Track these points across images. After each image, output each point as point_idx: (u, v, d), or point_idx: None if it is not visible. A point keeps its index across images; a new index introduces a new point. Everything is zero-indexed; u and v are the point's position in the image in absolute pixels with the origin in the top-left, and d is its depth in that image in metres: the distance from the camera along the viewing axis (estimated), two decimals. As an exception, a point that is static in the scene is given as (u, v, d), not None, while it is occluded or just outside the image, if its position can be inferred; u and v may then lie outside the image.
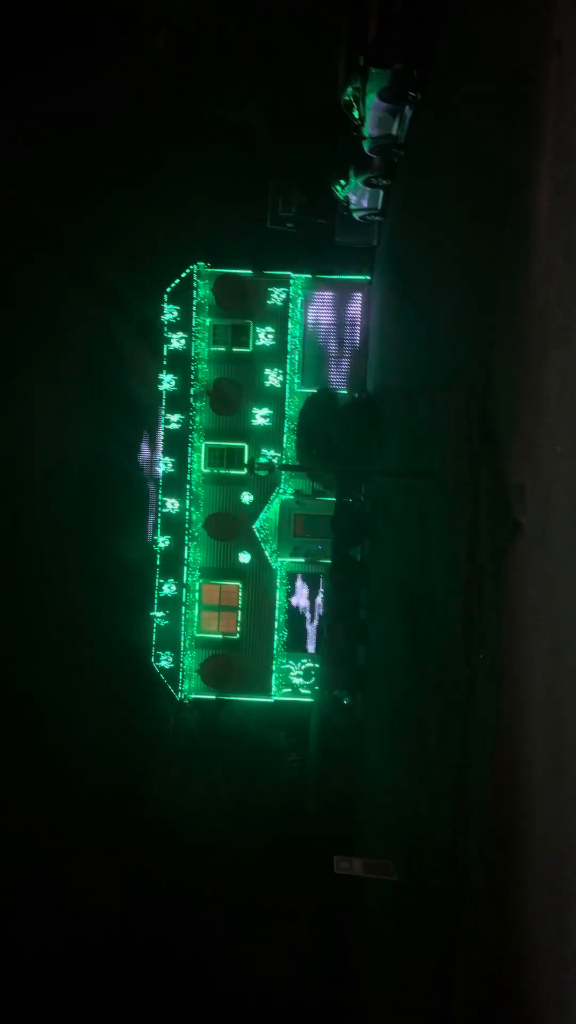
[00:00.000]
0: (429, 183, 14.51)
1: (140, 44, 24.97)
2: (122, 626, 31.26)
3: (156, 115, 28.14)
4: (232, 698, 29.31)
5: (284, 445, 27.81)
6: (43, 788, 30.60)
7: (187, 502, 27.98)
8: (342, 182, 22.62)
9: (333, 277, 28.14)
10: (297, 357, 28.12)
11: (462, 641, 8.95)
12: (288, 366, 27.91)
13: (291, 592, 28.67)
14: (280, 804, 30.22)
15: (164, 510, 28.25)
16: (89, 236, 30.50)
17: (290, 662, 28.46)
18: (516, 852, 6.51)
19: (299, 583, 28.61)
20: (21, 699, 31.38)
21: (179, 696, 28.50)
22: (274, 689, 28.44)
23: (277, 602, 28.40)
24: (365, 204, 22.65)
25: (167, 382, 28.22)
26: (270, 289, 27.78)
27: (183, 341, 27.91)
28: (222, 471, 28.36)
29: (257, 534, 27.84)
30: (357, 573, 23.61)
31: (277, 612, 28.41)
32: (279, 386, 27.89)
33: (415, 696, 12.60)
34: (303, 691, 28.23)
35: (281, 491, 27.99)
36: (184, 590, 28.18)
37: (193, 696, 28.84)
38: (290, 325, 27.87)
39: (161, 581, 28.41)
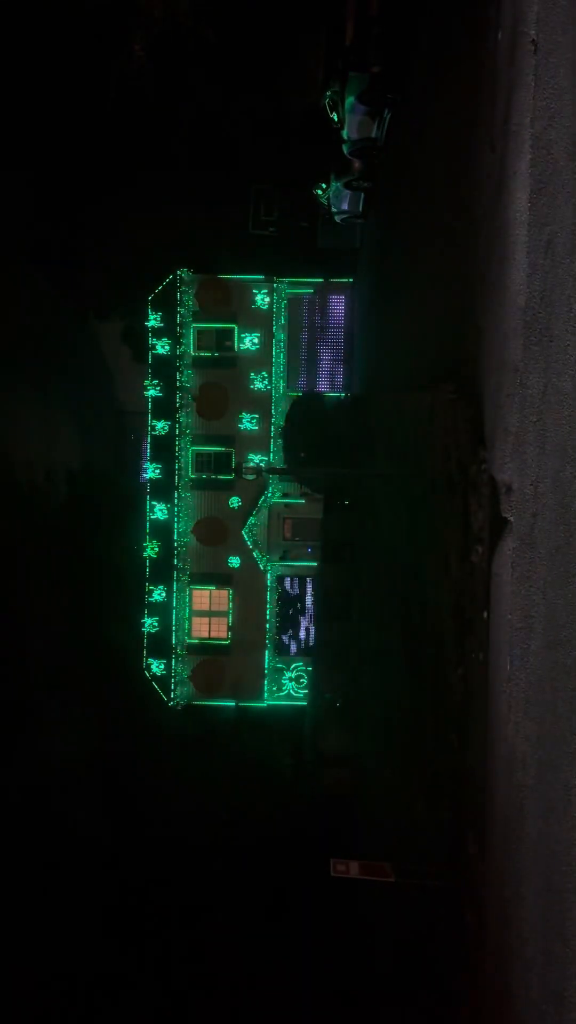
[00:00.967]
0: (409, 184, 14.57)
1: (119, 51, 24.95)
2: (113, 633, 31.18)
3: (135, 121, 28.13)
4: (224, 703, 29.29)
5: (271, 449, 27.84)
6: (36, 796, 30.45)
7: (175, 508, 27.97)
8: (323, 185, 22.69)
9: (316, 280, 28.21)
10: (282, 360, 28.16)
11: (454, 640, 8.98)
12: (273, 370, 27.94)
13: (281, 595, 28.67)
14: (275, 809, 30.17)
15: (152, 516, 28.21)
16: (71, 243, 30.46)
17: (282, 665, 28.46)
18: (512, 851, 6.52)
19: (289, 586, 28.62)
20: (11, 708, 31.22)
21: (171, 702, 28.44)
22: (266, 693, 28.42)
23: (268, 606, 28.39)
24: (346, 207, 22.72)
25: (153, 388, 28.21)
26: (254, 293, 27.82)
27: (167, 347, 27.91)
28: (210, 476, 28.35)
29: (246, 538, 27.84)
30: (347, 574, 23.62)
31: (268, 616, 28.40)
32: (265, 390, 27.92)
33: (408, 696, 12.62)
34: (296, 694, 28.23)
35: (269, 495, 28.01)
36: (174, 596, 28.14)
37: (185, 702, 28.80)
38: (274, 329, 27.92)
39: (151, 587, 28.36)
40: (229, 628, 28.52)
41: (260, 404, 27.91)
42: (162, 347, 27.88)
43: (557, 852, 5.26)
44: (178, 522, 27.93)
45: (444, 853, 9.30)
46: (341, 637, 23.03)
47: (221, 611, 28.59)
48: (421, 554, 11.72)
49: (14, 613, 32.49)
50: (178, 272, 27.71)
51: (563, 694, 5.24)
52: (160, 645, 28.26)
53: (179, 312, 27.72)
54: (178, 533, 27.97)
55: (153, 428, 28.05)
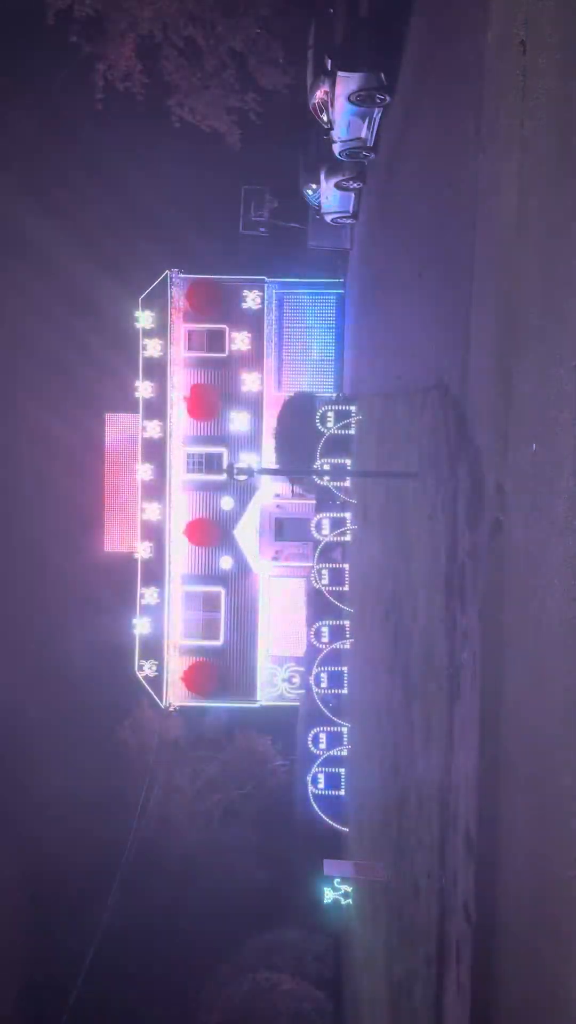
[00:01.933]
0: (399, 185, 14.59)
1: (107, 52, 24.90)
2: (105, 635, 31.11)
3: (125, 122, 28.07)
4: (218, 704, 29.26)
5: (263, 449, 27.83)
6: (27, 798, 30.36)
7: (167, 509, 27.91)
8: (313, 186, 22.70)
9: (307, 280, 28.21)
10: (273, 361, 28.16)
11: (444, 640, 8.99)
12: (265, 370, 27.93)
13: (274, 595, 28.66)
14: (268, 809, 30.18)
15: (144, 517, 28.15)
16: (61, 243, 30.41)
17: (275, 666, 28.44)
18: (504, 848, 6.54)
19: (281, 586, 28.60)
20: (2, 710, 31.12)
21: (164, 704, 28.39)
22: (259, 694, 28.40)
23: (260, 606, 28.37)
24: (336, 207, 22.74)
25: (143, 389, 28.15)
26: (244, 293, 27.80)
27: (158, 348, 27.86)
28: (201, 476, 28.31)
29: (238, 539, 27.82)
30: (338, 575, 23.64)
31: (260, 616, 28.38)
32: (256, 390, 27.89)
33: (399, 695, 12.64)
34: (289, 695, 28.22)
35: (261, 495, 28.00)
36: (166, 597, 28.09)
37: (178, 704, 28.74)
38: (265, 329, 27.90)
39: (143, 589, 28.30)
40: (221, 629, 28.49)
41: (251, 404, 27.89)
42: (153, 348, 27.83)
43: (548, 854, 5.27)
44: (170, 523, 27.90)
45: (435, 851, 9.32)
46: (332, 636, 23.05)
47: (213, 612, 28.56)
48: (412, 554, 11.73)
49: (7, 613, 32.42)
50: (168, 272, 27.66)
51: (553, 697, 5.25)
52: (152, 647, 28.22)
53: (170, 312, 27.68)
54: (170, 534, 27.93)
55: (144, 429, 28.00)
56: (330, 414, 23.25)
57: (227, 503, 27.92)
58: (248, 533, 27.93)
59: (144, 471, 28.05)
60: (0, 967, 27.82)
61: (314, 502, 25.58)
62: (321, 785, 22.92)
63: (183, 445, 28.11)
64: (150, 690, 28.32)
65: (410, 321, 12.78)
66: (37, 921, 28.66)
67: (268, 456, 27.56)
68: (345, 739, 22.55)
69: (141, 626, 28.17)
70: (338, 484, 23.56)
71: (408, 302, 12.96)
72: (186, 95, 26.06)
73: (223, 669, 28.45)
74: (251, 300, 27.73)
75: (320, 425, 23.31)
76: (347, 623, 22.72)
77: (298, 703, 27.51)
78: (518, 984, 6.05)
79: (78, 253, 30.69)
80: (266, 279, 27.90)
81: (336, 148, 18.67)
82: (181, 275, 27.83)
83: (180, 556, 28.23)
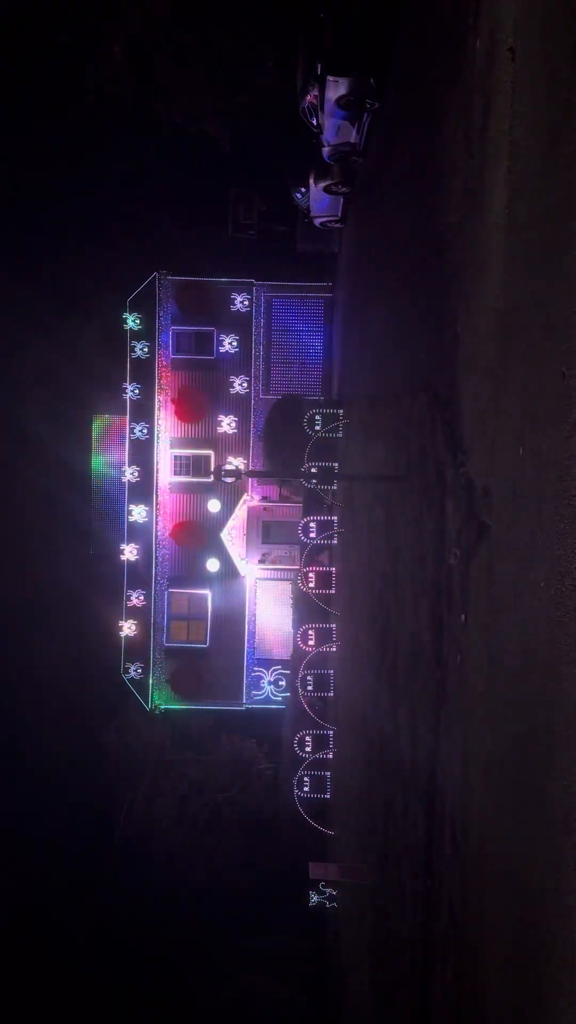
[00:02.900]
0: (388, 189, 14.64)
1: (97, 54, 24.88)
2: (90, 637, 30.98)
3: (114, 124, 28.05)
4: (203, 707, 29.18)
5: (250, 452, 27.82)
6: (10, 802, 30.16)
7: (154, 511, 27.84)
8: (302, 189, 22.73)
9: (296, 283, 28.24)
10: (262, 364, 28.15)
11: (431, 642, 9.01)
12: (253, 373, 27.93)
13: (261, 598, 28.63)
14: (254, 812, 30.12)
15: (131, 519, 28.07)
16: (50, 246, 30.31)
17: (261, 669, 28.41)
18: (489, 850, 6.55)
19: (268, 589, 28.58)
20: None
21: (149, 707, 28.29)
22: (245, 696, 28.36)
23: (247, 609, 28.33)
24: (325, 211, 22.78)
25: (131, 391, 28.08)
26: (233, 296, 27.79)
27: (146, 349, 27.80)
28: (188, 479, 28.26)
29: (225, 541, 27.77)
30: (325, 578, 23.63)
31: (247, 619, 28.34)
32: (244, 393, 27.89)
33: (386, 698, 12.65)
34: (275, 698, 28.19)
35: (248, 498, 27.97)
36: (152, 599, 28.00)
37: (164, 707, 28.65)
38: (254, 332, 27.89)
39: (129, 592, 28.21)
40: (208, 632, 28.42)
41: (239, 407, 27.88)
42: (140, 350, 27.78)
43: (534, 852, 5.29)
44: (156, 525, 27.83)
45: (421, 853, 9.33)
46: (318, 640, 23.04)
47: (200, 615, 28.49)
48: (399, 557, 11.75)
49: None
50: (157, 274, 27.62)
51: (540, 696, 5.28)
52: (138, 649, 28.12)
53: (158, 315, 27.63)
54: (156, 536, 27.86)
55: (132, 431, 27.93)
56: (318, 417, 23.25)
57: (214, 505, 27.87)
58: (235, 536, 27.90)
59: (131, 473, 27.99)
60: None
61: (301, 505, 25.58)
62: (307, 788, 22.90)
63: (170, 447, 28.06)
64: (135, 693, 28.21)
65: (398, 324, 12.82)
66: (18, 925, 28.46)
67: (255, 459, 27.55)
68: (331, 742, 22.55)
69: (127, 628, 28.08)
70: (325, 487, 23.57)
71: (396, 305, 13.01)
72: (175, 97, 26.08)
73: (209, 672, 28.38)
74: (239, 303, 27.73)
75: (308, 428, 23.32)
76: (334, 626, 22.73)
77: (284, 706, 27.48)
78: (503, 986, 6.06)
79: (66, 254, 30.60)
80: (254, 282, 27.90)
81: (325, 152, 18.73)
82: (169, 277, 27.80)
83: (166, 558, 28.17)
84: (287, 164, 23.72)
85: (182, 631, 28.52)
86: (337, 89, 15.90)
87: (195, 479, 28.04)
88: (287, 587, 27.36)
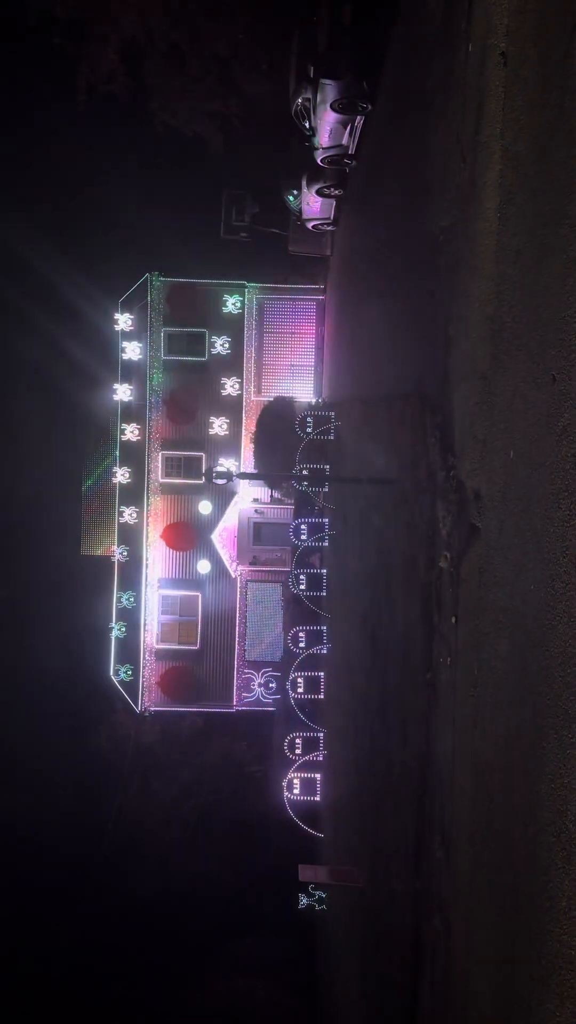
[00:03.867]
0: (380, 193, 14.68)
1: (90, 54, 24.85)
2: (80, 639, 30.88)
3: (107, 126, 28.02)
4: (194, 709, 29.12)
5: (242, 453, 27.81)
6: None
7: (144, 512, 27.79)
8: (294, 192, 22.75)
9: (288, 286, 28.25)
10: (253, 366, 28.15)
11: (421, 645, 9.03)
12: (244, 375, 27.92)
13: (251, 600, 28.61)
14: (244, 814, 30.07)
15: (121, 520, 28.01)
16: (41, 247, 30.24)
17: (252, 671, 28.38)
18: (478, 851, 6.57)
19: (259, 591, 28.57)
20: None
21: (139, 709, 28.21)
22: (236, 698, 28.32)
23: (237, 611, 28.30)
24: (317, 214, 22.81)
25: (122, 392, 28.03)
26: (225, 298, 27.78)
27: (137, 351, 27.76)
28: (179, 480, 28.21)
29: (216, 543, 27.74)
30: (316, 580, 23.65)
31: (237, 621, 28.31)
32: (236, 395, 27.88)
33: (376, 700, 12.66)
34: (265, 700, 28.17)
35: (239, 500, 27.96)
36: (143, 601, 27.94)
37: (154, 709, 28.58)
38: (245, 334, 27.89)
39: (120, 593, 28.14)
40: (198, 634, 28.38)
41: (231, 409, 27.87)
42: (132, 351, 27.74)
43: (523, 853, 5.30)
44: (147, 527, 27.78)
45: (411, 855, 9.34)
46: (309, 642, 23.05)
47: (190, 617, 28.45)
48: (390, 560, 11.77)
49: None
50: (149, 275, 27.58)
51: (530, 698, 5.29)
52: (128, 651, 28.05)
53: (149, 316, 27.60)
54: (147, 538, 27.81)
55: (123, 432, 27.88)
56: (309, 419, 23.28)
57: (205, 507, 27.85)
58: (226, 537, 27.87)
59: (122, 474, 27.94)
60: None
61: (293, 507, 25.58)
62: (297, 790, 22.89)
63: (161, 448, 28.02)
64: (125, 695, 28.14)
65: (390, 327, 12.85)
66: (6, 929, 28.32)
67: (247, 461, 27.54)
68: (321, 744, 22.55)
69: (117, 630, 28.00)
70: (316, 489, 23.59)
71: (388, 309, 13.03)
72: (169, 99, 26.07)
73: (199, 674, 28.34)
74: (231, 305, 27.72)
75: (299, 430, 23.33)
76: (324, 628, 22.74)
77: (274, 708, 27.46)
78: (493, 987, 6.07)
79: (57, 255, 30.54)
80: (247, 284, 27.90)
81: (318, 155, 18.74)
82: (161, 278, 27.77)
83: (157, 560, 28.12)
84: (280, 166, 23.74)
85: (172, 633, 28.47)
86: (330, 92, 15.92)
87: (186, 481, 28.00)
88: (278, 589, 27.36)
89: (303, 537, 23.48)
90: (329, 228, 23.86)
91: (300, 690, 23.19)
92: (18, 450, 33.88)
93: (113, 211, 29.94)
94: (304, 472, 22.72)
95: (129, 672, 27.96)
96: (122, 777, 30.75)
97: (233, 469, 26.95)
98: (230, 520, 27.91)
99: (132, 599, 27.92)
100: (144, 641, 27.88)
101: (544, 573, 5.07)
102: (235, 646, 28.20)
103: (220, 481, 15.04)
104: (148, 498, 27.74)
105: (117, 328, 27.86)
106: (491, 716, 6.29)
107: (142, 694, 27.91)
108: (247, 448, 27.63)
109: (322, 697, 22.99)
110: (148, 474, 27.69)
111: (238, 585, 28.22)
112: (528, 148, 5.84)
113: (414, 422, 9.99)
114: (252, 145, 27.47)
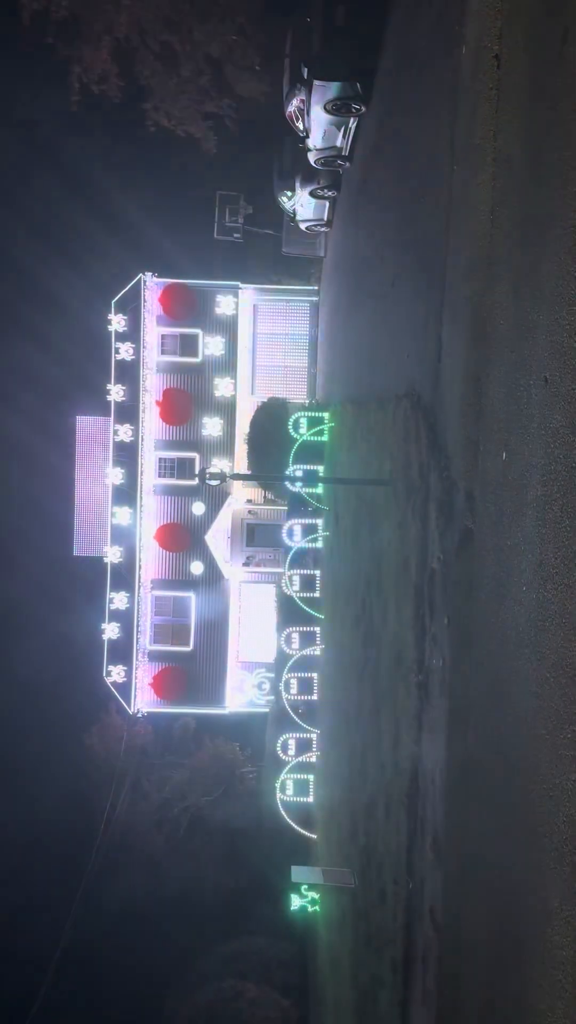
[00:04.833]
0: (373, 194, 14.70)
1: (83, 54, 24.80)
2: (73, 640, 30.83)
3: (100, 126, 27.99)
4: (187, 710, 29.10)
5: (235, 454, 27.80)
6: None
7: (138, 513, 27.75)
8: (288, 193, 22.76)
9: (281, 287, 28.27)
10: (247, 367, 28.16)
11: (414, 646, 9.04)
12: (238, 375, 27.92)
13: (244, 601, 28.60)
14: (236, 816, 30.05)
15: (115, 521, 27.96)
16: (34, 247, 30.20)
17: (245, 672, 28.37)
18: (470, 852, 6.58)
19: (252, 593, 28.57)
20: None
21: (132, 710, 28.17)
22: (229, 700, 28.31)
23: (231, 612, 28.28)
24: (311, 215, 22.83)
25: (115, 392, 28.00)
26: (218, 299, 27.78)
27: (131, 351, 27.72)
28: (173, 481, 28.19)
29: (209, 544, 27.72)
30: (309, 581, 23.65)
31: (231, 622, 28.29)
32: (229, 396, 27.87)
33: (368, 701, 12.67)
34: (258, 701, 28.15)
35: (232, 501, 27.96)
36: (136, 602, 27.90)
37: (146, 710, 28.54)
38: (239, 335, 27.89)
39: (112, 594, 28.09)
40: (191, 635, 28.35)
41: (224, 410, 27.86)
42: (125, 351, 27.70)
43: (515, 854, 5.31)
44: (140, 527, 27.74)
45: (403, 856, 9.34)
46: (302, 641, 23.06)
47: (183, 618, 28.42)
48: (382, 561, 11.78)
49: None
50: (142, 276, 27.56)
51: (522, 700, 5.30)
52: (121, 652, 28.00)
53: (143, 316, 27.57)
54: (140, 539, 27.77)
55: (116, 433, 27.83)
56: (303, 420, 23.30)
57: (198, 508, 27.83)
58: (219, 538, 27.86)
59: (115, 475, 27.89)
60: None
61: (286, 508, 25.59)
62: (290, 791, 22.88)
63: (155, 449, 27.99)
64: (118, 696, 28.09)
65: (382, 329, 12.86)
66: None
67: (240, 461, 27.54)
68: (314, 745, 22.55)
69: (110, 631, 27.95)
70: (310, 490, 23.60)
71: (381, 311, 13.05)
72: (162, 99, 26.05)
73: (192, 675, 28.31)
74: (225, 305, 27.72)
75: (293, 431, 23.34)
76: (317, 629, 22.75)
77: (267, 709, 27.45)
78: (483, 990, 6.08)
79: (50, 255, 30.49)
80: (240, 284, 27.91)
81: (311, 156, 18.75)
82: (155, 279, 27.75)
83: (150, 561, 28.08)
84: (273, 168, 23.76)
85: (165, 634, 28.44)
86: (324, 94, 15.92)
87: (179, 481, 27.98)
88: (271, 590, 27.36)
89: (296, 538, 23.49)
90: (323, 229, 23.88)
91: (293, 691, 23.18)
92: (10, 450, 33.80)
93: (106, 212, 29.92)
94: (297, 473, 22.73)
95: (122, 673, 27.91)
96: (114, 778, 30.69)
97: (226, 470, 26.92)
98: (223, 521, 27.90)
99: (125, 600, 27.88)
100: (137, 642, 27.84)
101: (536, 575, 5.08)
102: (228, 647, 28.18)
103: (213, 482, 15.04)
104: (141, 499, 27.70)
105: (110, 328, 27.82)
106: (483, 718, 6.30)
107: (135, 695, 27.86)
108: (240, 449, 27.63)
109: (315, 698, 23.00)
110: (141, 475, 27.66)
111: (231, 586, 28.20)
112: (521, 151, 5.86)
113: (407, 423, 10.00)
114: (245, 146, 27.48)
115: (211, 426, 27.69)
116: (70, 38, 24.60)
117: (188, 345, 28.04)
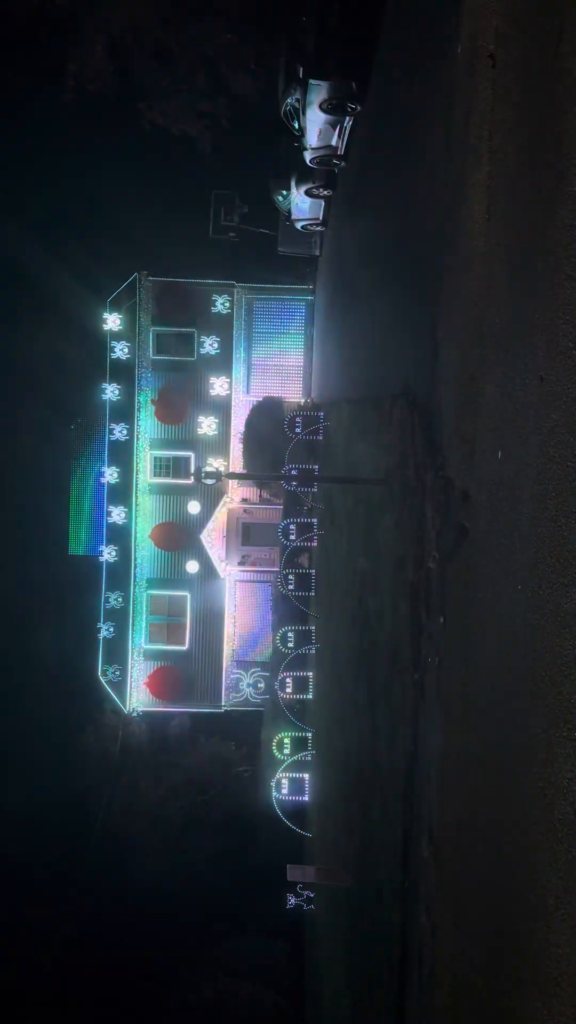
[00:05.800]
0: (369, 193, 14.70)
1: (79, 54, 24.77)
2: (68, 639, 30.79)
3: (96, 125, 27.94)
4: (182, 709, 29.08)
5: (231, 453, 27.79)
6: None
7: (133, 512, 27.72)
8: (283, 192, 22.76)
9: (277, 286, 28.26)
10: (242, 366, 28.14)
11: (409, 644, 9.05)
12: (233, 374, 27.90)
13: (240, 600, 28.59)
14: (231, 815, 30.06)
15: (110, 520, 27.93)
16: (30, 246, 30.13)
17: (240, 671, 28.37)
18: (466, 851, 6.59)
19: (248, 591, 28.56)
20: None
21: (127, 710, 28.15)
22: (224, 699, 28.30)
23: (226, 611, 28.28)
24: (306, 214, 22.82)
25: (110, 391, 27.96)
26: (214, 298, 27.76)
27: (126, 350, 27.69)
28: (168, 480, 28.16)
29: (205, 543, 27.71)
30: (305, 580, 23.67)
31: (226, 621, 28.29)
32: (225, 395, 27.85)
33: (364, 699, 12.68)
34: (254, 700, 28.16)
35: (228, 499, 27.95)
36: (131, 601, 27.87)
37: (142, 709, 28.52)
38: (235, 334, 27.87)
39: (108, 593, 28.06)
40: (187, 634, 28.33)
41: (220, 409, 27.84)
42: (120, 351, 27.66)
43: (511, 854, 5.32)
44: (136, 527, 27.71)
45: (398, 854, 9.35)
46: (298, 642, 23.06)
47: (179, 617, 28.40)
48: (378, 560, 11.79)
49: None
50: (137, 275, 27.52)
51: (517, 699, 5.31)
52: (116, 651, 27.98)
53: (138, 315, 27.54)
54: (136, 538, 27.74)
55: (111, 431, 27.81)
56: (298, 419, 23.30)
57: (194, 507, 27.81)
58: (215, 537, 27.84)
59: (110, 474, 27.86)
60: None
61: (282, 507, 25.59)
62: (285, 790, 22.90)
63: (150, 448, 27.96)
64: (113, 695, 28.06)
65: (378, 328, 12.87)
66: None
67: (236, 460, 27.53)
68: (310, 744, 22.56)
69: (105, 630, 27.93)
70: (305, 490, 23.60)
71: (376, 309, 13.06)
72: (157, 98, 26.03)
73: (188, 674, 28.29)
74: (220, 304, 27.70)
75: (288, 430, 23.34)
76: (313, 628, 22.75)
77: (263, 708, 27.46)
78: (480, 988, 6.10)
79: (45, 254, 30.43)
80: (235, 284, 27.89)
81: (307, 155, 18.75)
82: (150, 278, 27.71)
83: (146, 560, 28.05)
84: (269, 167, 23.75)
85: (161, 633, 28.42)
86: (319, 93, 15.92)
87: (175, 480, 27.96)
88: (267, 589, 27.35)
89: (292, 537, 23.50)
90: (318, 228, 23.88)
91: (289, 690, 23.19)
92: (6, 449, 33.73)
93: (101, 210, 29.89)
94: (293, 472, 22.73)
95: (117, 672, 27.89)
96: (110, 777, 30.67)
97: (222, 469, 26.91)
98: (219, 520, 27.88)
99: (120, 599, 27.85)
100: (132, 641, 27.82)
101: (532, 573, 5.09)
102: (224, 646, 28.17)
103: (209, 481, 15.04)
104: (137, 498, 27.67)
105: (106, 328, 27.78)
106: (478, 715, 6.31)
107: (130, 694, 27.84)
108: (236, 448, 27.62)
109: (311, 697, 23.01)
110: (136, 474, 27.63)
111: (227, 585, 28.19)
112: (516, 150, 5.86)
113: (402, 422, 10.01)
114: (241, 145, 27.46)
115: (206, 425, 27.68)
116: (65, 36, 24.57)
117: (183, 344, 28.02)
